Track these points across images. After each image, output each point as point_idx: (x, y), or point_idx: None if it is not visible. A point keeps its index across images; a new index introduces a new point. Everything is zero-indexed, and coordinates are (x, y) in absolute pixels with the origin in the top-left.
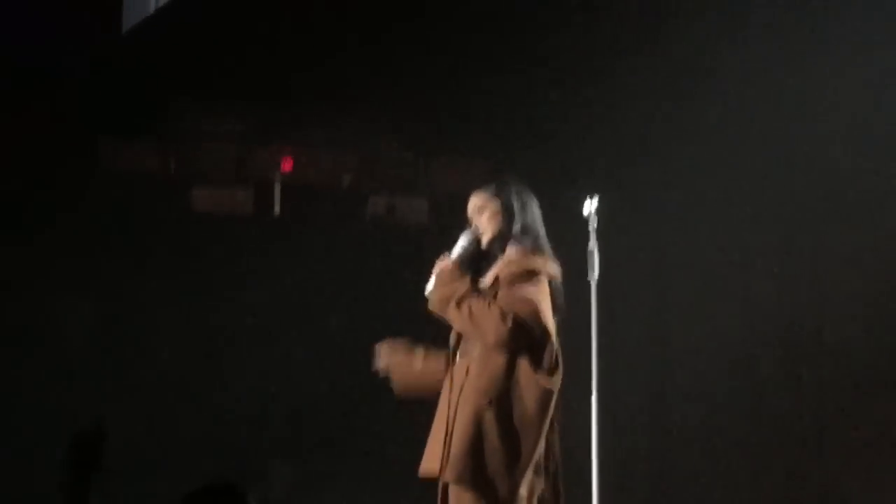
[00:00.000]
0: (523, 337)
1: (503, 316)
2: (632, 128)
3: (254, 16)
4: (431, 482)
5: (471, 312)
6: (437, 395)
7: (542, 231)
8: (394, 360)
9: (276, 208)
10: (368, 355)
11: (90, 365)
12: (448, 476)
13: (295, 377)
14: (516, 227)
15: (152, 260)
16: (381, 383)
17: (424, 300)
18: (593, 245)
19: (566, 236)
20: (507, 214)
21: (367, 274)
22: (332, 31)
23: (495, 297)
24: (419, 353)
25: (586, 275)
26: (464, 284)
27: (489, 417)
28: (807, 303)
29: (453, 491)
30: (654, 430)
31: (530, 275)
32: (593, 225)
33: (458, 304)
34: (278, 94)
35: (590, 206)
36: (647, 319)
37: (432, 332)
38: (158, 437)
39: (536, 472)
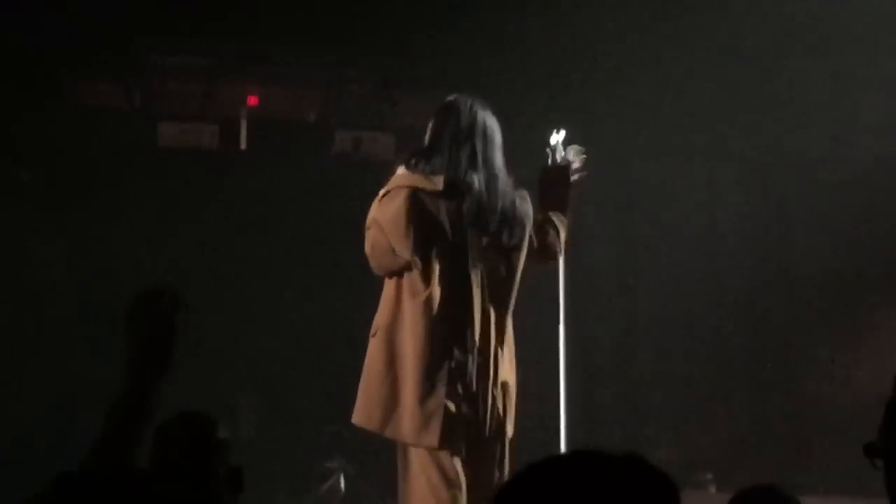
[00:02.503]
0: (378, 261)
1: (368, 245)
2: (600, 62)
3: None
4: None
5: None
6: None
7: (447, 145)
8: None
9: (243, 143)
10: (333, 290)
11: (57, 298)
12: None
13: (261, 312)
14: (421, 147)
15: (118, 195)
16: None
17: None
18: None
19: (534, 167)
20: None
21: (333, 209)
22: None
23: None
24: None
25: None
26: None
27: (371, 350)
28: (774, 237)
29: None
30: (621, 366)
31: (384, 197)
32: (560, 155)
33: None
34: (244, 30)
35: (556, 136)
36: (613, 254)
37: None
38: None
39: (450, 395)
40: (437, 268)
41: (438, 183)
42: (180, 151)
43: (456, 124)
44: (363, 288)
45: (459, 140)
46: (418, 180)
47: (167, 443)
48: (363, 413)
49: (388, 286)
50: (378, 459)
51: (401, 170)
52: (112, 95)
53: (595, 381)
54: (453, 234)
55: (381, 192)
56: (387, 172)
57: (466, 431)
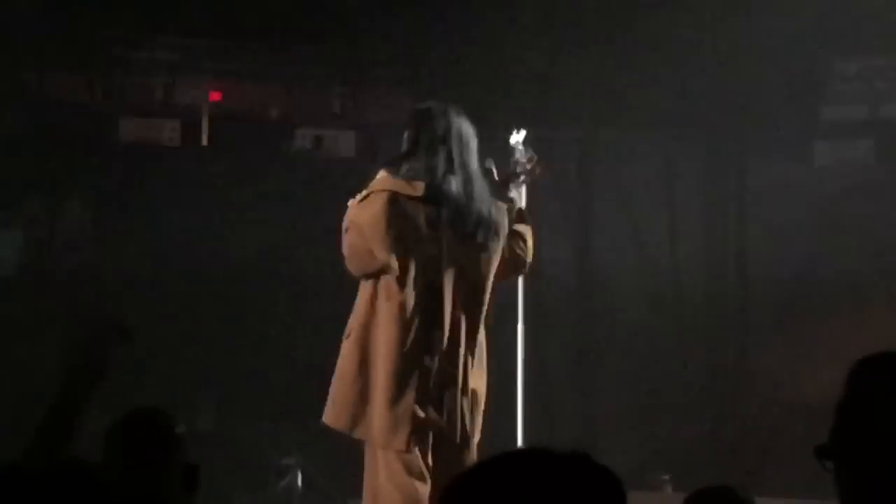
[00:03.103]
0: (355, 263)
1: (345, 247)
2: (559, 58)
3: None
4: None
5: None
6: None
7: (425, 150)
8: None
9: (204, 139)
10: (292, 286)
11: (15, 294)
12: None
13: (219, 307)
14: (402, 152)
15: (79, 190)
16: (303, 314)
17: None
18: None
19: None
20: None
21: (293, 205)
22: None
23: None
24: None
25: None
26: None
27: (344, 351)
28: (733, 242)
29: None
30: (578, 367)
31: (364, 199)
32: (520, 153)
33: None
34: (207, 25)
35: (517, 135)
36: (574, 248)
37: None
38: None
39: (418, 400)
40: (412, 272)
41: (419, 188)
42: (141, 146)
43: (433, 130)
44: (322, 285)
45: (436, 145)
46: (398, 185)
47: (123, 437)
48: (333, 413)
49: (364, 288)
50: (335, 457)
51: (382, 173)
52: (73, 89)
53: (552, 382)
54: (430, 240)
55: (361, 194)
56: (347, 170)
57: (434, 435)
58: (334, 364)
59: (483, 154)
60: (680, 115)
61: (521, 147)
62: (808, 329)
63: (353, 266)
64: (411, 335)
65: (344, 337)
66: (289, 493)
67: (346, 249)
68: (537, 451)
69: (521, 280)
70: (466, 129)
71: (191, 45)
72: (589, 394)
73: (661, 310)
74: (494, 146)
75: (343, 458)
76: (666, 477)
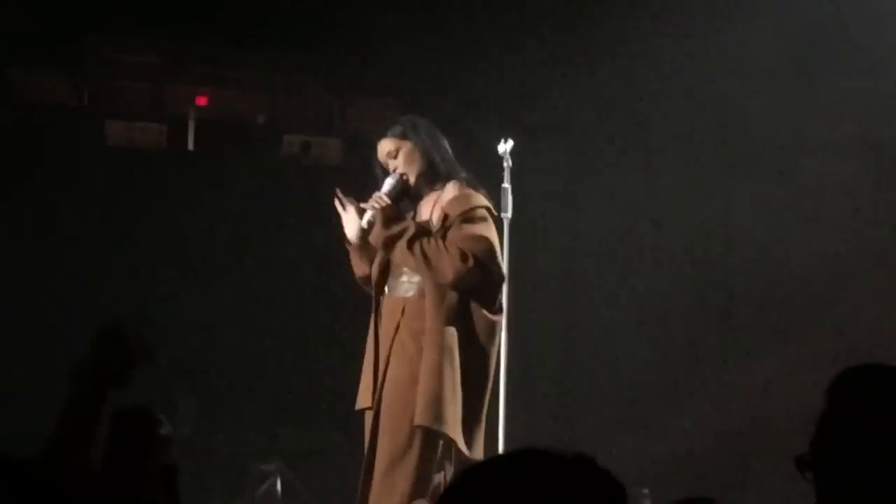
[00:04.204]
0: (481, 276)
1: (463, 256)
2: (542, 67)
3: None
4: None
5: (424, 252)
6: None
7: (457, 164)
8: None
9: (191, 143)
10: (275, 292)
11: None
12: (424, 420)
13: (200, 312)
14: (440, 164)
15: (64, 193)
16: (285, 320)
17: (337, 239)
18: (507, 183)
19: (479, 175)
20: (423, 153)
21: (280, 212)
22: None
23: (444, 236)
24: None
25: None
26: (412, 224)
27: (452, 361)
28: (717, 253)
29: (422, 432)
30: (558, 378)
31: (479, 211)
32: (508, 163)
33: (410, 243)
34: (195, 29)
35: (504, 145)
36: (559, 257)
37: (345, 268)
38: (65, 369)
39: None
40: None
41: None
42: (127, 150)
43: (444, 145)
44: (306, 290)
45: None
46: (487, 201)
47: (108, 435)
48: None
49: (454, 296)
50: (315, 463)
51: (465, 188)
52: (60, 91)
53: (532, 393)
54: None
55: (467, 207)
56: (334, 177)
57: None
58: (319, 370)
59: (468, 162)
60: (667, 126)
61: (509, 156)
62: (792, 343)
63: (471, 281)
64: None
65: (440, 344)
66: (268, 500)
67: (468, 260)
68: (541, 452)
69: (504, 287)
70: None
71: (179, 49)
72: (567, 406)
73: (645, 322)
74: (480, 155)
75: (323, 465)
76: (645, 491)
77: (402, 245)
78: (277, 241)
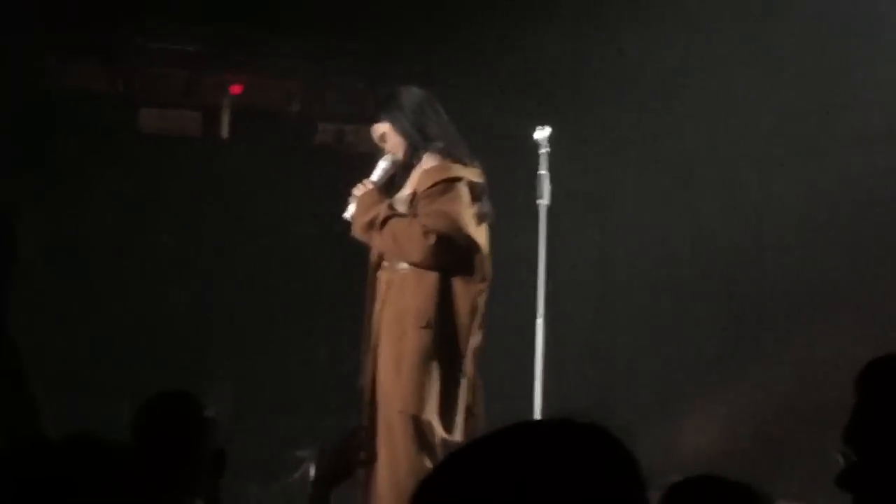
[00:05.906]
0: (447, 251)
1: (425, 233)
2: (579, 56)
3: None
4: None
5: (393, 234)
6: None
7: (453, 135)
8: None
9: (224, 132)
10: (309, 280)
11: (35, 284)
12: (400, 406)
13: (236, 301)
14: (421, 139)
15: (99, 180)
16: (320, 308)
17: None
18: (544, 170)
19: (514, 161)
20: (400, 129)
21: (314, 200)
22: None
23: (415, 214)
24: None
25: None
26: (384, 207)
27: (428, 342)
28: (750, 235)
29: (402, 416)
30: (596, 350)
31: (446, 184)
32: (545, 150)
33: (381, 227)
34: (230, 17)
35: (541, 132)
36: (595, 243)
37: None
38: (103, 357)
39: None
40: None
41: (480, 174)
42: (161, 137)
43: (441, 113)
44: (341, 279)
45: (449, 128)
46: (471, 172)
47: (152, 419)
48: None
49: (431, 275)
50: None
51: (443, 160)
52: (94, 78)
53: (567, 381)
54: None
55: (432, 181)
56: (368, 165)
57: None
58: (355, 359)
59: (499, 149)
60: (703, 119)
61: (546, 142)
62: (828, 326)
63: (439, 258)
64: (477, 320)
65: (420, 326)
66: (301, 486)
67: (429, 237)
68: (531, 423)
69: (542, 267)
70: None
71: (213, 37)
72: (603, 393)
73: (681, 310)
74: (515, 141)
75: None
76: (679, 478)
77: (376, 229)
78: (311, 230)
